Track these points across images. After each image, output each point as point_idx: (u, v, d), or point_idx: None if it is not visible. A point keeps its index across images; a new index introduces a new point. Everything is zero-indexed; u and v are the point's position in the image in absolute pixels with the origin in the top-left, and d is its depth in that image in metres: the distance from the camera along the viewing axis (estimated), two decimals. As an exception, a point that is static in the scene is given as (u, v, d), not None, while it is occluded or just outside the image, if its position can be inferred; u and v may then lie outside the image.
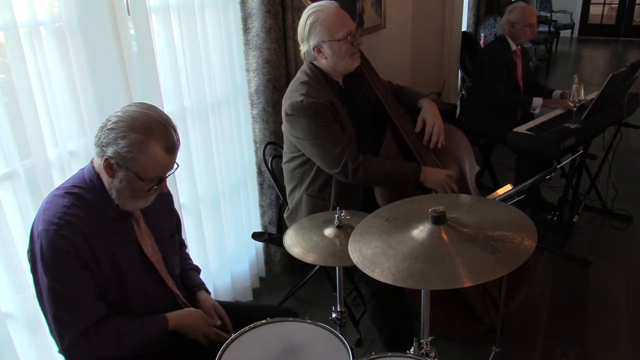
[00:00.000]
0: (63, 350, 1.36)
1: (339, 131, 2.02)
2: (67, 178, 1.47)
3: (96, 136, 1.34)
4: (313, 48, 2.04)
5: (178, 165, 1.43)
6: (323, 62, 2.07)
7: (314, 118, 1.98)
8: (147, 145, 1.30)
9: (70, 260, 1.30)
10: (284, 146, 2.24)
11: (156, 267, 1.49)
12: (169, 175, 1.41)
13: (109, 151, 1.31)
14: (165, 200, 1.61)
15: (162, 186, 1.41)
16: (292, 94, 2.05)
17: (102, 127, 1.33)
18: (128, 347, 1.39)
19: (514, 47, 3.49)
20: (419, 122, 2.21)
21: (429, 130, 2.18)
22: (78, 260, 1.31)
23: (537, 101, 3.32)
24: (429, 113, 2.21)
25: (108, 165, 1.33)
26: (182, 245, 1.76)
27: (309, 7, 2.07)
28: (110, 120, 1.32)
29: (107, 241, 1.38)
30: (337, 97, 2.07)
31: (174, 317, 1.48)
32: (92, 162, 1.41)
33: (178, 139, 1.38)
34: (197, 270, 1.78)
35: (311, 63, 2.10)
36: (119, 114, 1.33)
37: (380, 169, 2.04)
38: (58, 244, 1.29)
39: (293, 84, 2.11)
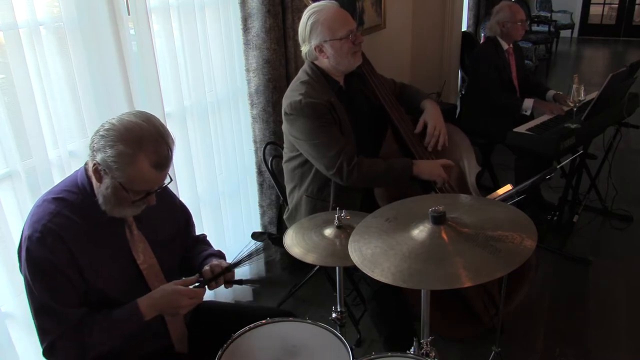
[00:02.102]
0: (42, 351, 1.35)
1: (336, 132, 2.02)
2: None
3: (90, 139, 1.33)
4: (315, 48, 2.04)
5: (171, 179, 1.40)
6: (325, 62, 2.07)
7: (312, 118, 1.99)
8: (135, 158, 1.27)
9: (48, 269, 1.30)
10: (284, 146, 2.24)
11: (145, 275, 1.47)
12: (157, 190, 1.38)
13: (98, 157, 1.29)
14: (166, 201, 1.57)
15: (149, 199, 1.38)
16: (292, 94, 2.05)
17: (96, 132, 1.31)
18: (107, 341, 1.35)
19: (505, 46, 3.49)
20: (419, 123, 2.21)
21: (430, 132, 2.18)
22: (56, 270, 1.30)
23: (528, 103, 3.31)
24: (431, 115, 2.21)
25: (96, 170, 1.32)
26: (201, 241, 1.73)
27: (309, 8, 2.07)
28: (103, 127, 1.30)
29: (96, 248, 1.37)
30: (337, 97, 2.07)
31: (144, 298, 1.40)
32: (85, 165, 1.39)
33: (171, 155, 1.33)
34: (220, 254, 1.69)
35: (312, 63, 2.10)
36: (114, 121, 1.30)
37: (374, 169, 2.03)
38: (38, 252, 1.29)
39: (293, 84, 2.11)
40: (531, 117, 3.38)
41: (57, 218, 1.32)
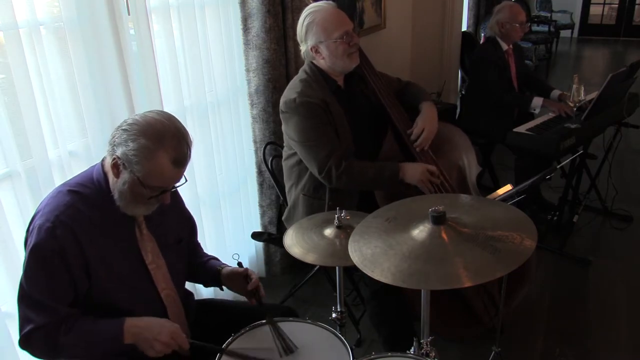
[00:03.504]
0: (19, 339, 1.36)
1: (328, 133, 2.02)
2: (68, 178, 1.47)
3: (111, 135, 1.35)
4: (311, 48, 2.05)
5: (186, 180, 1.42)
6: (322, 62, 2.08)
7: (306, 118, 1.99)
8: (155, 153, 1.30)
9: (51, 262, 1.30)
10: (284, 144, 2.24)
11: (152, 275, 1.48)
12: (172, 189, 1.40)
13: (119, 151, 1.32)
14: (174, 205, 1.58)
15: (164, 197, 1.40)
16: (288, 92, 2.07)
17: (118, 127, 1.34)
18: (79, 346, 1.34)
19: (505, 47, 3.46)
20: (414, 125, 2.21)
21: (417, 133, 2.17)
22: (60, 263, 1.31)
23: (537, 101, 3.29)
24: (424, 117, 2.19)
25: (115, 164, 1.34)
26: (198, 246, 1.76)
27: (306, 8, 2.08)
28: (126, 122, 1.33)
29: (105, 244, 1.38)
30: (335, 97, 2.08)
31: (132, 319, 1.38)
32: (102, 161, 1.42)
33: (189, 154, 1.36)
34: (216, 259, 1.74)
35: (311, 62, 2.11)
36: (137, 117, 1.34)
37: (363, 175, 2.03)
38: (46, 243, 1.30)
39: (292, 82, 2.13)
40: (532, 116, 3.38)
41: (70, 210, 1.33)
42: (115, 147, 1.33)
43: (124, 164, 1.32)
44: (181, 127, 1.36)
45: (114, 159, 1.33)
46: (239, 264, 1.66)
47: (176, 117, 1.40)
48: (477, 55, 3.70)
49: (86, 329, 1.35)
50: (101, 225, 1.37)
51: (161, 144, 1.30)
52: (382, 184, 2.07)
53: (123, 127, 1.33)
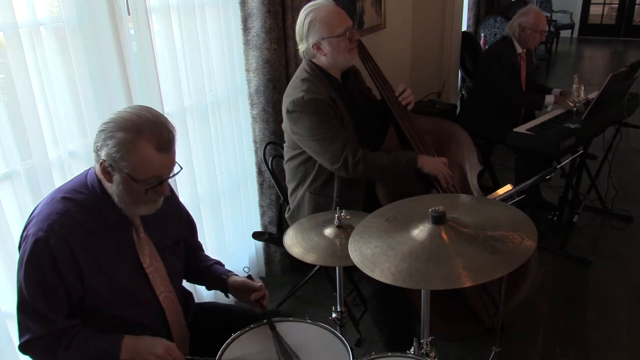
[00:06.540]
0: (19, 345, 1.36)
1: (339, 127, 2.04)
2: (68, 178, 1.46)
3: (93, 142, 1.33)
4: (312, 46, 2.05)
5: (181, 168, 1.39)
6: (322, 59, 2.09)
7: (316, 114, 2.00)
8: (136, 143, 1.27)
9: (46, 271, 1.30)
10: (285, 145, 2.24)
11: (151, 279, 1.46)
12: (168, 178, 1.37)
13: (102, 154, 1.30)
14: (171, 205, 1.56)
15: (162, 188, 1.36)
16: (294, 91, 2.06)
17: (97, 132, 1.32)
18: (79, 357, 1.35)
19: (519, 49, 3.42)
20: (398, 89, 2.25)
21: (399, 90, 2.22)
22: (54, 275, 1.30)
23: (549, 99, 3.30)
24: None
25: (104, 169, 1.32)
26: (199, 248, 1.74)
27: (306, 6, 2.09)
28: (102, 124, 1.31)
29: (101, 250, 1.36)
30: (337, 93, 2.09)
31: (131, 337, 1.39)
32: (94, 168, 1.39)
33: (173, 138, 1.33)
34: (220, 263, 1.73)
35: (310, 61, 2.11)
36: (111, 115, 1.31)
37: (379, 162, 2.07)
38: (40, 252, 1.29)
39: (293, 82, 2.12)
40: (532, 116, 3.38)
41: (63, 218, 1.32)
42: (99, 152, 1.31)
43: (111, 165, 1.30)
44: (158, 115, 1.33)
45: (101, 163, 1.31)
46: (249, 277, 1.64)
47: (159, 107, 1.40)
48: (491, 53, 3.57)
49: (85, 345, 1.35)
50: (96, 231, 1.36)
51: (139, 132, 1.27)
52: (397, 172, 2.11)
53: (100, 129, 1.30)
